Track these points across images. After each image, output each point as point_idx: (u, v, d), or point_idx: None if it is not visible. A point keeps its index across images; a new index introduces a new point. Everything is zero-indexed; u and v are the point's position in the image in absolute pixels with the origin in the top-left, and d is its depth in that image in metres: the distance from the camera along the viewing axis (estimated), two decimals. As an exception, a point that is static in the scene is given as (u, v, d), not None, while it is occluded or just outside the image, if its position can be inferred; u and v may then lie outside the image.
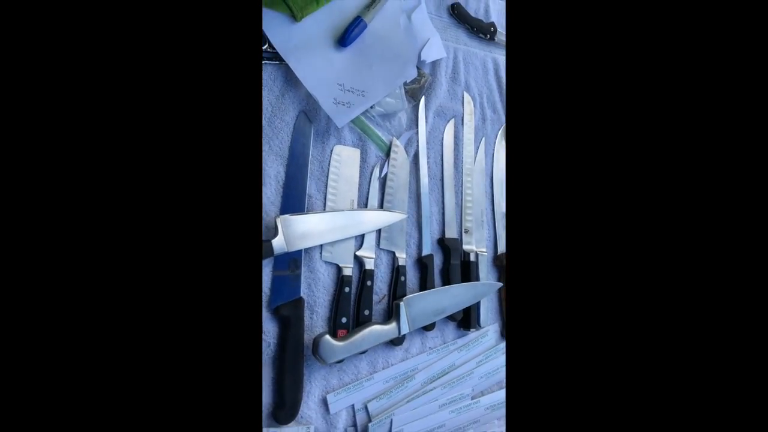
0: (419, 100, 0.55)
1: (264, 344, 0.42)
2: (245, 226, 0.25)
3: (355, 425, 0.46)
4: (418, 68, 0.54)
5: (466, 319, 0.54)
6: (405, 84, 0.53)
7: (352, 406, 0.46)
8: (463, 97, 0.60)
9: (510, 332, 0.28)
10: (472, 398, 0.52)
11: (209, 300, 0.24)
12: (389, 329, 0.47)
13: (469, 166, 0.58)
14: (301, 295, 0.44)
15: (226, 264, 0.25)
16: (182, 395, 0.23)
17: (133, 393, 0.23)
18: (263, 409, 0.41)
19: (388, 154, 0.52)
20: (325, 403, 0.45)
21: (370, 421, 0.46)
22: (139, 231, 0.23)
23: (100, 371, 0.22)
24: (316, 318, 0.45)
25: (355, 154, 0.50)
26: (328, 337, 0.42)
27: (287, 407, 0.41)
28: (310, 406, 0.44)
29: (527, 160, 0.27)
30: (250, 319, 0.25)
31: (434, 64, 0.57)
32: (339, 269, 0.47)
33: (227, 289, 0.25)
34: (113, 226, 0.23)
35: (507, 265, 0.34)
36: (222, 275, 0.25)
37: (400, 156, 0.53)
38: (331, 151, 0.49)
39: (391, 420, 0.47)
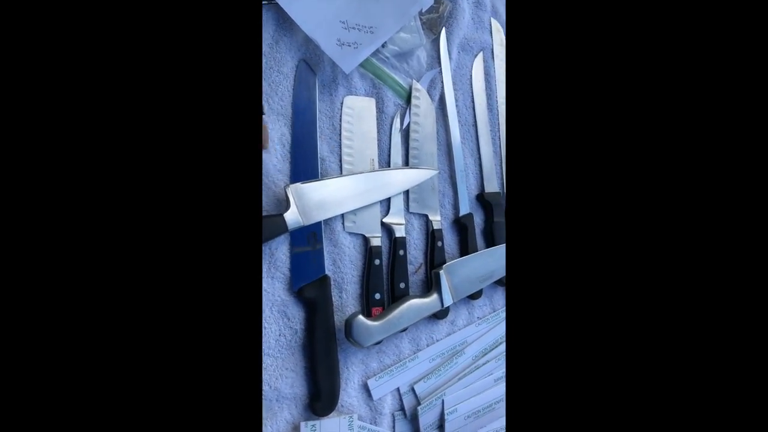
0: (439, 33, 0.46)
1: (290, 331, 0.38)
2: (243, 202, 0.23)
3: (402, 409, 0.42)
4: (434, -7, 0.45)
5: (517, 282, 0.47)
6: (421, 14, 0.44)
7: (398, 389, 0.41)
8: (491, 25, 0.51)
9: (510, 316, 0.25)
10: (531, 369, 0.47)
11: (205, 289, 0.22)
12: (430, 302, 0.41)
13: (505, 106, 0.50)
14: (326, 272, 0.39)
15: (221, 247, 0.22)
16: (177, 389, 0.22)
17: (127, 384, 0.21)
18: (300, 400, 0.37)
19: (408, 101, 0.45)
20: (366, 389, 0.40)
21: (419, 403, 0.42)
22: (129, 211, 0.22)
23: (93, 366, 0.21)
24: (345, 297, 0.40)
25: (369, 104, 0.43)
26: (361, 317, 0.37)
27: (325, 397, 0.37)
28: (350, 393, 0.39)
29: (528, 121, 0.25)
30: (250, 309, 0.22)
31: (453, -12, 0.48)
32: (366, 240, 0.41)
33: (223, 274, 0.22)
34: (96, 208, 0.21)
35: (507, 254, 0.31)
36: (217, 258, 0.22)
37: (423, 102, 0.45)
38: (341, 103, 0.42)
39: (443, 400, 0.42)
